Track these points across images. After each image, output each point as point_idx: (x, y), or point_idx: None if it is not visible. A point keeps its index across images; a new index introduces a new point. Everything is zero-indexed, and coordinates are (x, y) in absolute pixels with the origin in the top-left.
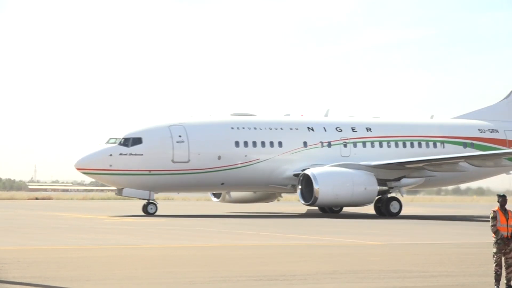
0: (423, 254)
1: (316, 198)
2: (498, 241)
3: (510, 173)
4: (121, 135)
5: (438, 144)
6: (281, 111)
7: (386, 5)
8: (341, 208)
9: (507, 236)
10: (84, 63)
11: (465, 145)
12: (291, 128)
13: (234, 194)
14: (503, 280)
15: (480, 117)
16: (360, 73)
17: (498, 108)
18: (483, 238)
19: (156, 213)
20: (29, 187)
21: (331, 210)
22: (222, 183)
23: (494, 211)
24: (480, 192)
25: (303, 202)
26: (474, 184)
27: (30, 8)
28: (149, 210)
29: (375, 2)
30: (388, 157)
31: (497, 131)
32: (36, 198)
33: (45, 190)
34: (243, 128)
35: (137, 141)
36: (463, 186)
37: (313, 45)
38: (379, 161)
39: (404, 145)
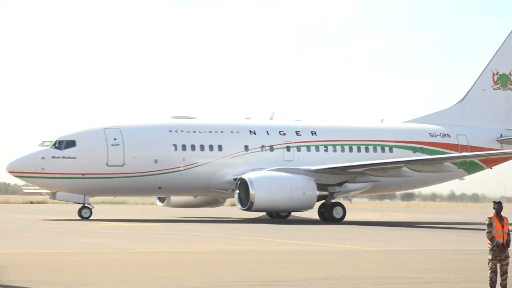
0: (419, 260)
1: (252, 203)
2: (494, 248)
3: (464, 179)
4: (54, 138)
5: (387, 148)
6: (243, 114)
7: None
8: (289, 213)
9: (503, 243)
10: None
11: (414, 149)
12: (232, 132)
13: (174, 199)
14: (498, 287)
15: (433, 121)
16: (309, 77)
17: (452, 112)
18: (479, 245)
19: (91, 217)
20: (24, 191)
21: (278, 216)
22: (160, 187)
23: (489, 218)
24: (475, 198)
25: (240, 207)
26: (469, 191)
27: None
28: (83, 214)
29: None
30: (333, 162)
31: (449, 135)
32: (31, 202)
33: (40, 194)
34: (182, 131)
35: (70, 144)
36: (458, 192)
37: (285, 49)
38: (323, 165)
39: (351, 150)
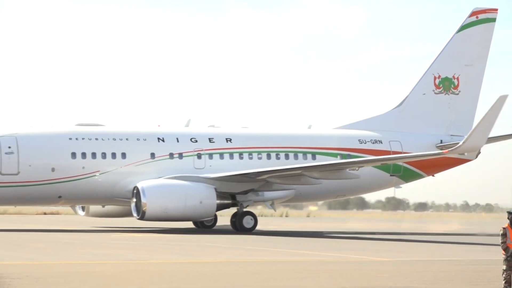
0: (432, 270)
1: (144, 212)
2: (508, 258)
3: (400, 187)
4: None
5: (309, 155)
6: (159, 122)
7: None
8: (215, 223)
9: None
10: None
11: (340, 156)
12: (138, 139)
13: (93, 208)
14: None
15: (367, 127)
16: (222, 83)
17: (388, 117)
18: (492, 255)
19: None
20: None
21: (203, 225)
22: (59, 196)
23: (504, 228)
24: (489, 209)
25: (135, 215)
26: (482, 201)
27: None
28: None
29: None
30: (249, 170)
31: (381, 141)
32: (45, 213)
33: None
34: (83, 138)
35: None
36: (471, 202)
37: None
38: (223, 173)
39: (269, 157)
